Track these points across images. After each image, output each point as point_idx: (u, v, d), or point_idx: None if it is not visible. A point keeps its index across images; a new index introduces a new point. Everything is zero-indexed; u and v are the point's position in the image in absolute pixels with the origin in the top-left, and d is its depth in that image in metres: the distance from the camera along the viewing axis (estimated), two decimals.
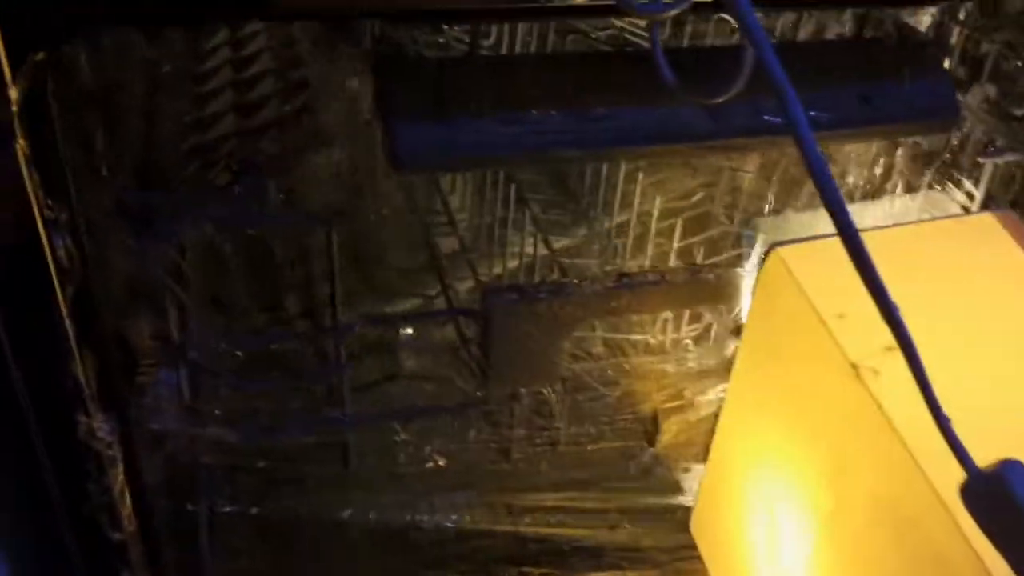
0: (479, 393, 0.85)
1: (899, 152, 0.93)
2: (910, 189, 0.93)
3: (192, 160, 0.80)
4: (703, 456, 0.91)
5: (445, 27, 0.85)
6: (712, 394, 0.91)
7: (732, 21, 0.46)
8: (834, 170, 0.92)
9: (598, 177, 0.99)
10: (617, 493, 0.97)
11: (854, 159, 0.94)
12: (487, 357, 0.81)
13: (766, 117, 0.69)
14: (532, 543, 0.96)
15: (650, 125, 0.70)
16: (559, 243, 0.99)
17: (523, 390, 0.87)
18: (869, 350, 0.61)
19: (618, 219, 0.97)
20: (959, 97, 0.81)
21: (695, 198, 1.01)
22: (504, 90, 0.69)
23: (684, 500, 0.97)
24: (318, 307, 0.91)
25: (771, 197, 0.95)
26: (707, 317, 0.91)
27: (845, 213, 0.37)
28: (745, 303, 0.84)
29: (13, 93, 0.47)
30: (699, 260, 0.93)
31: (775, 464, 0.73)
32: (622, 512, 0.98)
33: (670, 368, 0.91)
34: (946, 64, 0.84)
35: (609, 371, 0.90)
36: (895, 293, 0.37)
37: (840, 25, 0.89)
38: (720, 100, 0.50)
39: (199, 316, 0.81)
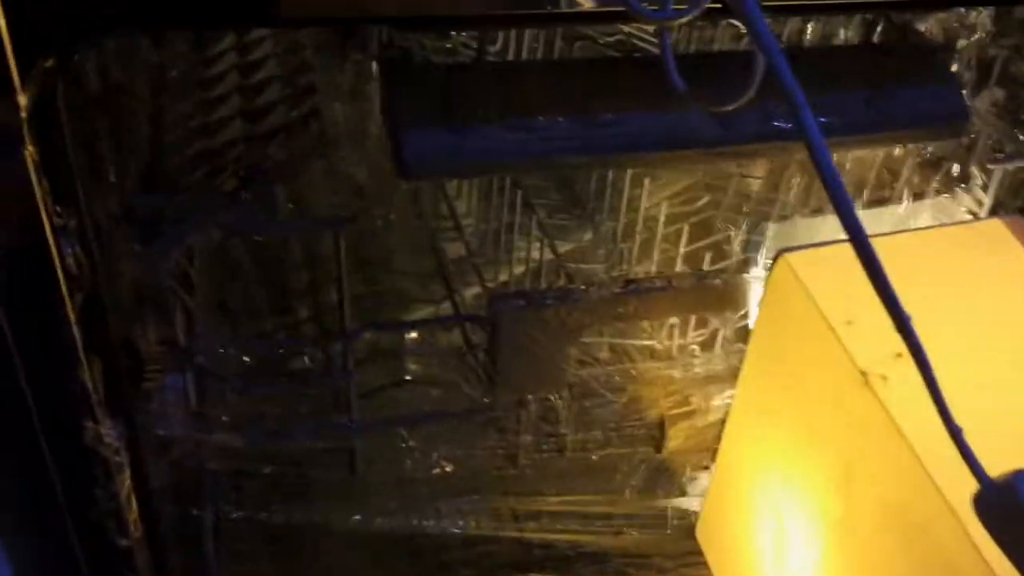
0: (486, 399, 0.85)
1: (907, 158, 0.93)
2: (918, 195, 0.93)
3: (199, 166, 0.80)
4: (710, 462, 0.90)
5: (452, 33, 0.85)
6: (719, 400, 0.90)
7: (741, 27, 0.45)
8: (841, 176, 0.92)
9: (604, 182, 0.99)
10: (623, 499, 0.97)
11: (862, 165, 0.94)
12: (494, 363, 0.81)
13: (776, 123, 0.69)
14: (537, 549, 0.96)
15: (658, 131, 0.70)
16: (565, 247, 0.99)
17: (530, 396, 0.87)
18: (878, 357, 0.61)
19: (624, 224, 0.97)
20: (968, 102, 0.81)
21: (702, 203, 1.00)
22: (511, 96, 0.69)
23: (690, 506, 0.97)
24: (325, 312, 0.91)
25: (779, 203, 0.95)
26: (714, 323, 0.91)
27: (856, 219, 0.37)
28: (752, 309, 0.84)
29: (22, 99, 0.47)
30: (706, 266, 0.93)
31: (782, 470, 0.73)
32: (628, 518, 0.97)
33: (677, 374, 0.91)
34: (954, 68, 0.84)
35: (616, 377, 0.90)
36: (903, 299, 0.37)
37: (848, 30, 0.89)
38: (732, 107, 0.50)
39: (206, 321, 0.81)
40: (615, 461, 0.95)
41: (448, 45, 0.86)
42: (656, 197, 0.95)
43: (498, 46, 0.94)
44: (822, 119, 0.37)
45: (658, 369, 0.91)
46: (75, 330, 0.55)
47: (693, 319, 0.91)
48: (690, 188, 1.01)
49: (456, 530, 0.94)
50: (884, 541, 0.62)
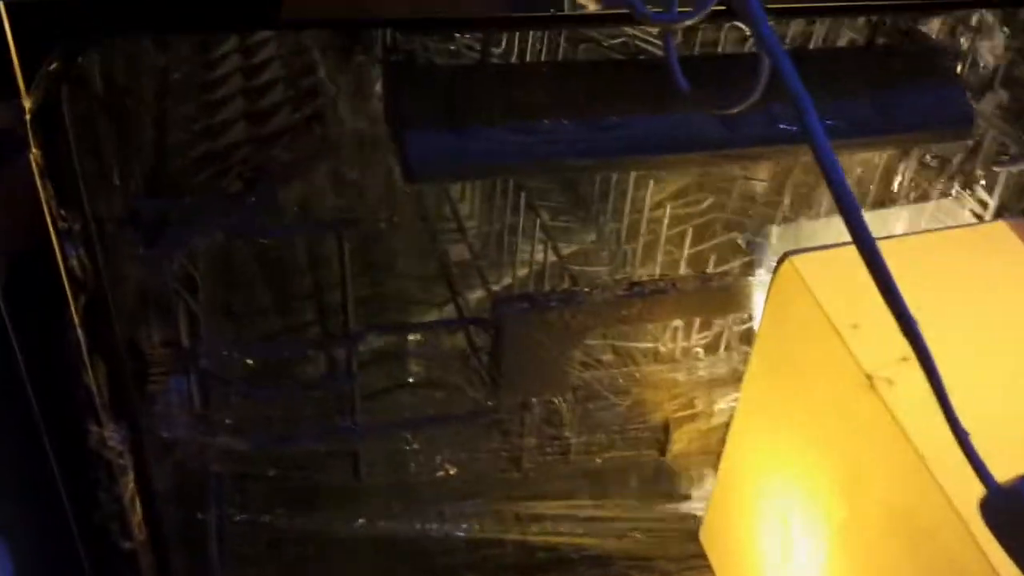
0: (489, 402, 0.85)
1: (912, 160, 0.93)
2: (922, 197, 0.92)
3: (203, 168, 0.80)
4: (714, 465, 0.90)
5: (456, 35, 0.85)
6: (723, 403, 0.90)
7: (745, 29, 0.45)
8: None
9: (608, 184, 0.99)
10: (627, 502, 0.97)
11: (866, 167, 0.94)
12: (498, 366, 0.81)
13: (781, 125, 0.69)
14: (541, 552, 0.96)
15: (662, 134, 0.70)
16: (568, 250, 0.99)
17: (534, 399, 0.87)
18: (883, 360, 0.60)
19: (628, 226, 0.97)
20: (973, 104, 0.81)
21: (706, 205, 1.00)
22: (515, 99, 0.69)
23: (694, 509, 0.97)
24: (329, 315, 0.91)
25: (784, 205, 0.95)
26: (717, 325, 0.91)
27: (862, 222, 0.36)
28: (756, 312, 0.83)
29: (27, 103, 0.47)
30: (710, 268, 0.92)
31: (787, 474, 0.73)
32: (632, 521, 0.97)
33: (681, 377, 0.90)
34: (959, 71, 0.84)
35: (620, 380, 0.90)
36: (909, 303, 0.37)
37: (852, 32, 0.89)
38: (737, 110, 0.50)
39: (210, 324, 0.81)
40: (619, 464, 0.95)
41: (452, 47, 0.86)
42: (660, 199, 0.95)
43: (502, 48, 0.94)
44: (827, 122, 0.37)
45: (662, 372, 0.90)
46: (79, 333, 0.55)
47: (697, 322, 0.91)
48: (694, 190, 1.01)
49: (460, 533, 0.94)
50: (889, 545, 0.62)
